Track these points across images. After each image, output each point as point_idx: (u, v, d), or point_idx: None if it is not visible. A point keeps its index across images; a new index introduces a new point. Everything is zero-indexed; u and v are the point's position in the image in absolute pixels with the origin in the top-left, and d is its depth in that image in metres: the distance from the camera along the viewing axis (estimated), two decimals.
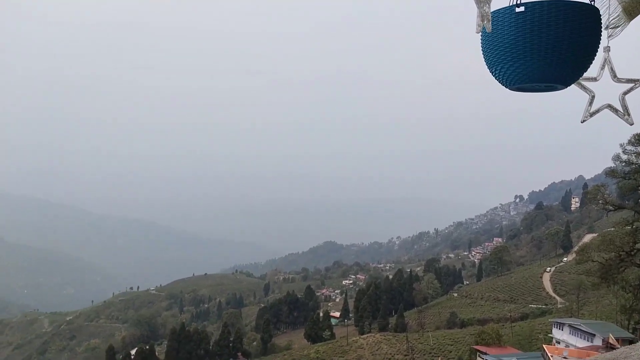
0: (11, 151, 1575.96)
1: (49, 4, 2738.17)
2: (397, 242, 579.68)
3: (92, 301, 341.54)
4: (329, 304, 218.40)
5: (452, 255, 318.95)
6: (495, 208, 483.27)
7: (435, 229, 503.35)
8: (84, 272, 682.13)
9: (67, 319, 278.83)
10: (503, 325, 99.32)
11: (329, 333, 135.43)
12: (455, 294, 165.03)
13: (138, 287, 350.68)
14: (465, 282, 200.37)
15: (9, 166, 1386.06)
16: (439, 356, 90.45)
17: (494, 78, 4.40)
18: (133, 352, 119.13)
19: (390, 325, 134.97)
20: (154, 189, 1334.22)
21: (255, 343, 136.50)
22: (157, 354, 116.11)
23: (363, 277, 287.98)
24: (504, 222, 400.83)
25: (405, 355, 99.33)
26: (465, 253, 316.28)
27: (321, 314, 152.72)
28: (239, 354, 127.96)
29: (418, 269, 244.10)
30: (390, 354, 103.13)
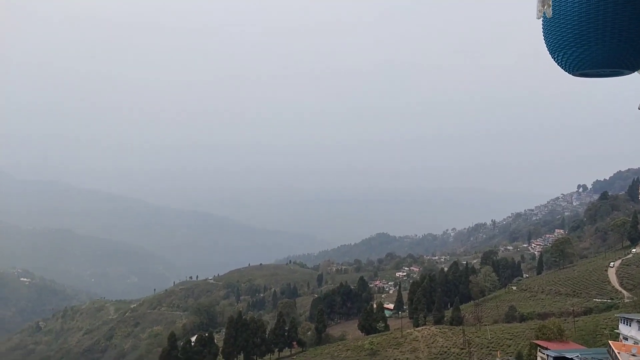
0: (79, 148, 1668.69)
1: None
2: (452, 234, 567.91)
3: (155, 290, 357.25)
4: (382, 296, 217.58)
5: (510, 248, 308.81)
6: (557, 198, 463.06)
7: (492, 220, 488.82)
8: (147, 262, 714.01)
9: (132, 306, 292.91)
10: (565, 320, 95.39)
11: (383, 325, 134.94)
12: (514, 287, 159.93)
13: (197, 277, 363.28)
14: (524, 275, 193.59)
15: (77, 162, 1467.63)
16: (497, 350, 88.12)
17: (556, 64, 4.33)
18: (193, 339, 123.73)
19: (445, 318, 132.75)
20: (210, 181, 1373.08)
21: (309, 333, 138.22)
22: (215, 341, 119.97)
23: (417, 269, 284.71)
24: (566, 213, 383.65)
25: (462, 349, 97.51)
26: (525, 245, 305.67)
27: (375, 306, 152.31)
28: (294, 343, 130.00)
29: (474, 261, 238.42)
30: (446, 347, 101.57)
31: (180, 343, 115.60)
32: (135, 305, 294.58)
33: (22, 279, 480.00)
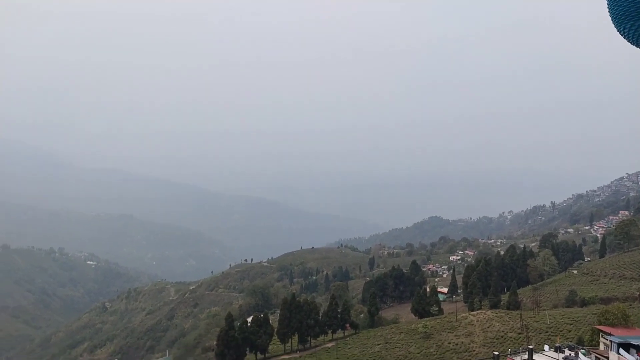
0: (141, 137, 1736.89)
1: None
2: (508, 217, 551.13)
3: (212, 272, 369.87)
4: (436, 280, 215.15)
5: (571, 230, 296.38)
6: (621, 178, 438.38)
7: (551, 202, 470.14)
8: (204, 246, 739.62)
9: (190, 288, 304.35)
10: (630, 305, 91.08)
11: (437, 308, 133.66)
12: (575, 271, 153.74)
13: (251, 259, 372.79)
14: (586, 259, 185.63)
15: (138, 151, 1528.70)
16: (556, 335, 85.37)
17: (620, 36, 4.05)
18: (249, 319, 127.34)
19: (502, 303, 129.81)
20: (262, 166, 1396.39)
21: (362, 315, 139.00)
22: (270, 322, 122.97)
23: (471, 253, 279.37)
24: (632, 194, 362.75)
25: (519, 334, 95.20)
26: (587, 228, 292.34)
27: (428, 289, 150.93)
28: (347, 325, 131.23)
29: (532, 244, 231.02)
30: (503, 331, 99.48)
31: (237, 323, 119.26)
32: (194, 287, 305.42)
33: (88, 262, 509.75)
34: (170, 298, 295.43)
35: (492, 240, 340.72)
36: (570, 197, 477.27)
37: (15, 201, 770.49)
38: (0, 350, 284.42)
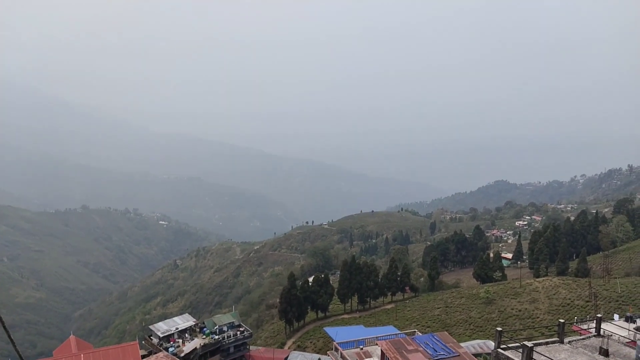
0: (208, 103, 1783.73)
1: None
2: (580, 181, 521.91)
3: (275, 233, 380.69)
4: (500, 245, 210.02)
5: None
6: None
7: (629, 165, 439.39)
8: (268, 208, 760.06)
9: (255, 248, 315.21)
10: None
11: (500, 274, 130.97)
12: None
13: (312, 222, 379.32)
14: None
15: (205, 116, 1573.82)
16: (628, 305, 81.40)
17: None
18: (310, 279, 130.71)
19: (569, 270, 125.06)
20: (323, 130, 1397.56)
21: (422, 279, 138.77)
22: (331, 282, 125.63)
23: (539, 219, 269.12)
24: None
25: (587, 302, 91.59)
26: None
27: (491, 255, 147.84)
28: (407, 288, 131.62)
29: (606, 210, 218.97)
30: (570, 299, 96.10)
31: (299, 282, 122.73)
32: (258, 247, 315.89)
33: (160, 222, 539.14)
34: (236, 257, 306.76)
35: (562, 205, 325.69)
36: None
37: (94, 165, 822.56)
38: (83, 302, 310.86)
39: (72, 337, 53.30)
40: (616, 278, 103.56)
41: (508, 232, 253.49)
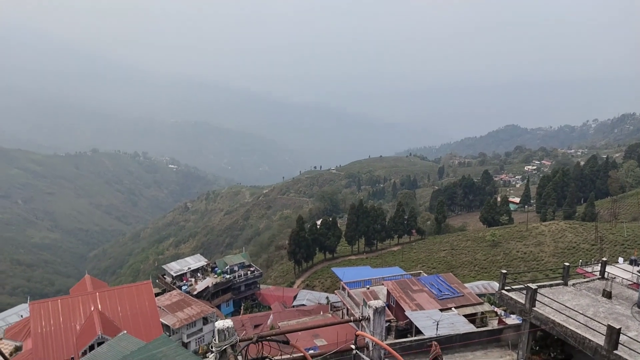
0: (214, 46, 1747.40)
1: None
2: (593, 125, 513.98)
3: (283, 177, 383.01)
4: (508, 190, 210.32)
5: None
6: None
7: None
8: (276, 152, 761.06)
9: (264, 192, 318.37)
10: None
11: (507, 218, 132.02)
12: None
13: (320, 167, 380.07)
14: None
15: (211, 59, 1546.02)
16: (633, 249, 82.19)
17: None
18: (318, 222, 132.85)
19: (577, 214, 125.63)
20: (330, 74, 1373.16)
21: (429, 222, 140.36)
22: (338, 225, 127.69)
23: (548, 163, 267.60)
24: None
25: (593, 245, 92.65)
26: None
27: (499, 199, 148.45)
28: (413, 231, 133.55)
29: (617, 155, 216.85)
30: (575, 242, 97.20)
31: (307, 225, 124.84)
32: (267, 190, 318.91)
33: (170, 165, 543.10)
34: (246, 200, 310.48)
35: (573, 150, 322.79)
36: None
37: (102, 109, 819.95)
38: (98, 242, 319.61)
39: (87, 276, 55.08)
40: (623, 222, 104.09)
41: (517, 177, 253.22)
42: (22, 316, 58.00)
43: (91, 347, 34.21)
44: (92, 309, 39.52)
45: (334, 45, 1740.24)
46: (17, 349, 37.95)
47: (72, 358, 29.91)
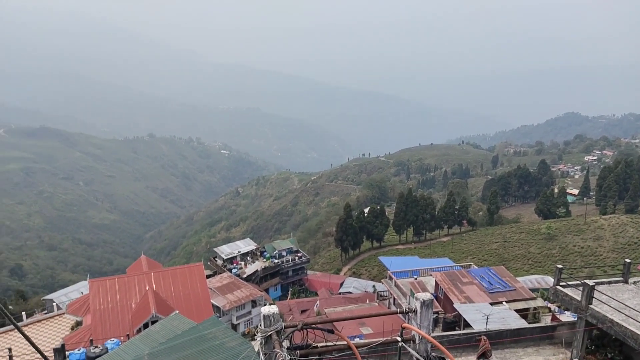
0: (264, 33, 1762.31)
1: None
2: None
3: (331, 164, 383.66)
4: (566, 180, 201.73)
5: None
6: None
7: None
8: (324, 139, 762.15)
9: (312, 178, 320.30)
10: None
11: (564, 210, 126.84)
12: None
13: (369, 154, 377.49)
14: None
15: (262, 47, 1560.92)
16: None
17: None
18: (366, 210, 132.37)
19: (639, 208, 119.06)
20: (381, 60, 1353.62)
21: (481, 213, 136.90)
22: (386, 214, 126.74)
23: (610, 154, 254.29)
24: None
25: None
26: None
27: (556, 190, 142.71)
28: (464, 221, 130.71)
29: None
30: (637, 238, 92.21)
31: (355, 213, 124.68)
32: (315, 177, 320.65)
33: (222, 151, 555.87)
34: (294, 186, 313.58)
35: (637, 140, 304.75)
36: None
37: (157, 94, 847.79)
38: (154, 224, 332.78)
39: (143, 256, 57.41)
40: None
41: (576, 168, 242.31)
42: (82, 293, 61.29)
43: (145, 325, 35.75)
44: (147, 288, 41.23)
45: (386, 29, 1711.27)
46: (78, 323, 40.20)
47: (128, 335, 31.42)
